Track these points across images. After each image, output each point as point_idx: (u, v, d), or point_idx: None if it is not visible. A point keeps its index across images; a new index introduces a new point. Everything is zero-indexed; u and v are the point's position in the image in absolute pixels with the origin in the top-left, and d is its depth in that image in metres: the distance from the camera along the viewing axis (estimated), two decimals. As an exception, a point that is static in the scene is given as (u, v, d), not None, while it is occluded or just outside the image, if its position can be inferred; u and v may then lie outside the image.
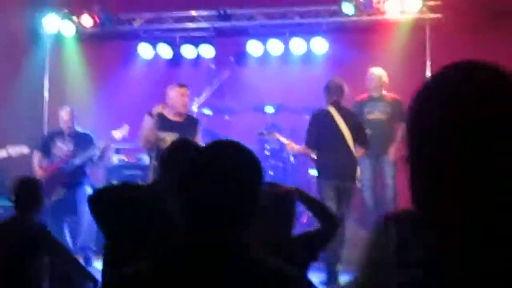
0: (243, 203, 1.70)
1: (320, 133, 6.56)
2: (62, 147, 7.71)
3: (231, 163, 1.71)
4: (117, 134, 7.51)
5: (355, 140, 6.60)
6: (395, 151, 7.76)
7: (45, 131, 9.29)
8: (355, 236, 6.74)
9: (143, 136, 6.63)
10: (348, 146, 6.54)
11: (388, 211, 7.58)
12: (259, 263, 1.69)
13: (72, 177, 7.57)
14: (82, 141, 7.73)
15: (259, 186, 1.74)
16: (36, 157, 7.78)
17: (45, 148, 7.79)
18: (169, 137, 6.43)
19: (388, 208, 7.88)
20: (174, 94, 6.74)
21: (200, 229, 1.69)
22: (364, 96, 7.98)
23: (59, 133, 7.82)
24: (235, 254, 1.67)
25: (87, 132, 7.88)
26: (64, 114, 7.83)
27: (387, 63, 8.30)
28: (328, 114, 6.58)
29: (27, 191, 4.44)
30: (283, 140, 7.27)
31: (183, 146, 3.21)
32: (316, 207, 3.33)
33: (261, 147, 8.12)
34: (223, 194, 1.67)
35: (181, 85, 6.84)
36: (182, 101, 6.70)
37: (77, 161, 7.54)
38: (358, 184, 6.76)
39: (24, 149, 7.72)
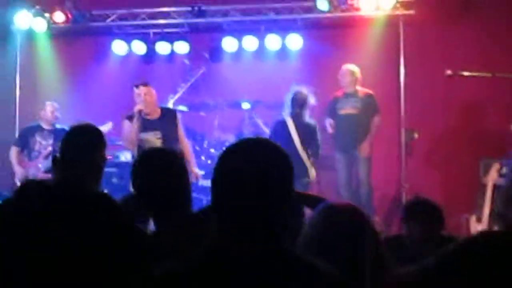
0: (276, 204, 1.67)
1: (276, 140, 6.91)
2: (42, 142, 7.66)
3: (261, 163, 1.67)
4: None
5: (306, 150, 7.33)
6: (366, 147, 7.79)
7: (17, 128, 9.19)
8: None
9: (127, 139, 6.55)
10: (298, 155, 7.19)
11: (364, 208, 7.77)
12: (301, 263, 1.68)
13: (48, 174, 7.51)
14: (61, 136, 7.67)
15: (291, 184, 1.71)
16: (14, 152, 7.70)
17: (24, 143, 7.72)
18: (150, 137, 6.43)
19: (364, 205, 7.95)
20: (134, 96, 6.67)
21: (235, 231, 1.66)
22: (339, 92, 8.06)
23: (38, 128, 7.77)
24: (276, 255, 1.65)
25: (65, 127, 7.84)
26: (50, 108, 7.80)
27: (362, 58, 8.39)
28: (285, 125, 7.36)
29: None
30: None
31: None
32: (315, 201, 3.30)
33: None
34: (255, 196, 1.63)
35: (136, 85, 6.72)
36: (141, 101, 6.57)
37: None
38: (308, 184, 7.35)
39: None
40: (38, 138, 7.70)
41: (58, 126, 7.84)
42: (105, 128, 7.57)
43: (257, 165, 1.67)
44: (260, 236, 1.65)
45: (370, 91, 7.97)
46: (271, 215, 1.66)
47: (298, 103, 7.37)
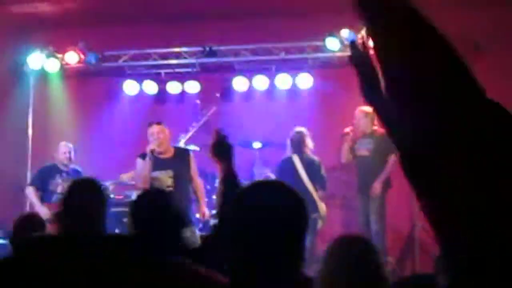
0: (292, 249, 1.66)
1: (283, 177, 7.37)
2: (63, 184, 7.61)
3: (274, 207, 1.66)
4: (125, 177, 7.53)
5: (314, 184, 7.64)
6: (377, 187, 7.70)
7: (29, 168, 9.21)
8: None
9: (140, 178, 6.54)
10: (306, 189, 7.49)
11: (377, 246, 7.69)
12: None
13: None
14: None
15: (305, 229, 1.71)
16: (33, 192, 7.64)
17: (42, 183, 7.67)
18: (162, 175, 6.43)
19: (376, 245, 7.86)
20: (148, 135, 6.71)
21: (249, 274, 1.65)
22: (358, 133, 8.03)
23: (56, 170, 7.74)
24: None
25: (78, 168, 7.86)
26: (64, 150, 7.79)
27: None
28: (291, 162, 7.74)
29: (29, 230, 4.23)
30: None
31: None
32: None
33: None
34: (271, 241, 1.62)
35: (150, 124, 6.78)
36: (154, 140, 6.61)
37: None
38: (320, 222, 7.61)
39: None
40: (59, 180, 7.65)
41: (73, 167, 7.83)
42: (127, 176, 7.56)
43: (273, 210, 1.66)
44: (277, 283, 1.63)
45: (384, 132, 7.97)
46: (287, 260, 1.65)
47: (297, 143, 7.79)
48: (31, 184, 7.76)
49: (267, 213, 1.64)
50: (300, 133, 7.85)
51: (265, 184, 1.79)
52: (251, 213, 1.66)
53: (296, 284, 1.65)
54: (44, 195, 7.63)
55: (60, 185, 7.62)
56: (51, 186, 7.63)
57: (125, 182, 7.76)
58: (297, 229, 1.67)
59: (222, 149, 3.19)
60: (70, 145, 7.92)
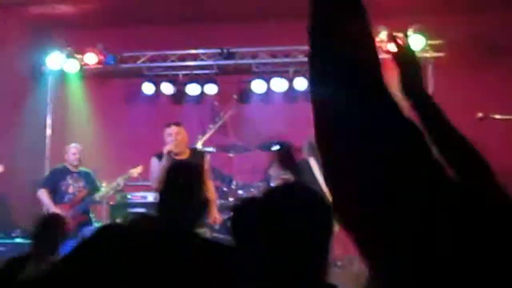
0: (312, 251, 1.64)
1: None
2: (73, 185, 7.67)
3: (301, 212, 1.65)
4: (134, 172, 7.58)
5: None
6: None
7: (47, 168, 9.25)
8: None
9: (156, 178, 6.51)
10: (322, 192, 7.06)
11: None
12: None
13: (85, 216, 7.54)
14: (88, 178, 7.75)
15: (330, 233, 1.68)
16: (45, 194, 7.68)
17: (54, 185, 7.72)
18: None
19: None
20: (164, 136, 6.69)
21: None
22: None
23: (66, 171, 7.79)
24: None
25: (89, 171, 7.90)
26: (73, 151, 7.83)
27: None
28: (307, 164, 7.56)
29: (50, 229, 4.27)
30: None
31: None
32: None
33: (266, 185, 8.09)
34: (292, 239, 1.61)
35: (168, 125, 6.74)
36: (171, 141, 6.59)
37: (98, 197, 7.57)
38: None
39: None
40: (70, 181, 7.71)
41: (81, 169, 7.86)
42: (136, 171, 7.60)
43: (299, 215, 1.66)
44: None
45: None
46: (313, 263, 1.63)
47: (312, 146, 7.64)
48: (43, 186, 7.77)
49: (293, 218, 1.62)
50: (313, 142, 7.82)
51: (290, 189, 1.77)
52: (277, 218, 1.64)
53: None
54: (56, 197, 7.67)
55: (70, 186, 7.67)
56: (62, 187, 7.67)
57: (135, 178, 7.77)
58: (323, 233, 1.66)
59: (290, 163, 2.97)
60: (80, 147, 7.94)
